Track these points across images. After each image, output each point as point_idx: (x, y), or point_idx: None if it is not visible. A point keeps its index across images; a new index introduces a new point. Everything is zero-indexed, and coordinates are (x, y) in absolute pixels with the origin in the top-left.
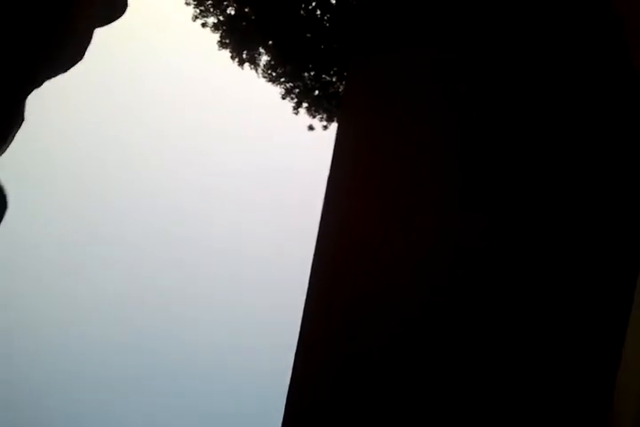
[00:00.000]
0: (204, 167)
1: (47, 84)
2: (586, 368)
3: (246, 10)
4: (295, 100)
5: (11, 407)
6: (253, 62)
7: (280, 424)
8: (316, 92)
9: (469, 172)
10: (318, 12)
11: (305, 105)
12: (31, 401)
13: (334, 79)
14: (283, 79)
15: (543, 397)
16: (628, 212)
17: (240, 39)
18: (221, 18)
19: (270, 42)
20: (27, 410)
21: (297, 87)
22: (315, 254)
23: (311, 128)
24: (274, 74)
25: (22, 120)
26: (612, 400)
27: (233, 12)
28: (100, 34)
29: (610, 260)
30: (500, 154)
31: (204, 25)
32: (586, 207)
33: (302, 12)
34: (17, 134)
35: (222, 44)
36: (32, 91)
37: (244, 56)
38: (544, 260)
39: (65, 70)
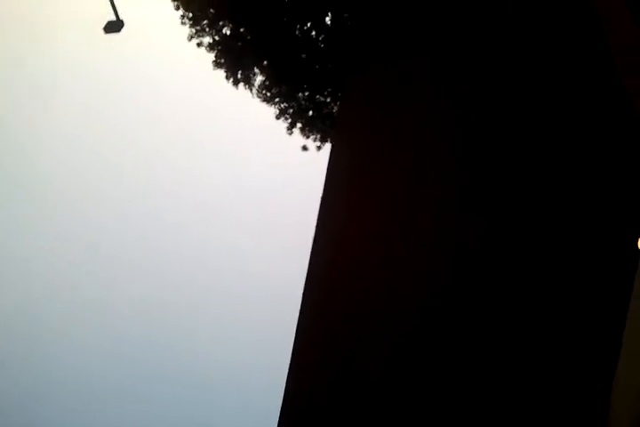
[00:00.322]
0: (197, 186)
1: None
2: (584, 369)
3: (241, 30)
4: (289, 120)
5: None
6: (248, 82)
7: None
8: (310, 112)
9: (464, 188)
10: (313, 33)
11: (299, 125)
12: (23, 408)
13: (328, 100)
14: (277, 99)
15: (544, 400)
16: (624, 212)
17: (235, 59)
18: (217, 38)
19: (265, 62)
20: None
21: (291, 107)
22: (308, 272)
23: (305, 148)
24: (268, 94)
25: None
26: (610, 400)
27: (228, 32)
28: (93, 51)
29: (607, 258)
30: (496, 163)
31: (199, 45)
32: (582, 208)
33: (297, 32)
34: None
35: (217, 64)
36: None
37: (239, 76)
38: (542, 263)
39: None
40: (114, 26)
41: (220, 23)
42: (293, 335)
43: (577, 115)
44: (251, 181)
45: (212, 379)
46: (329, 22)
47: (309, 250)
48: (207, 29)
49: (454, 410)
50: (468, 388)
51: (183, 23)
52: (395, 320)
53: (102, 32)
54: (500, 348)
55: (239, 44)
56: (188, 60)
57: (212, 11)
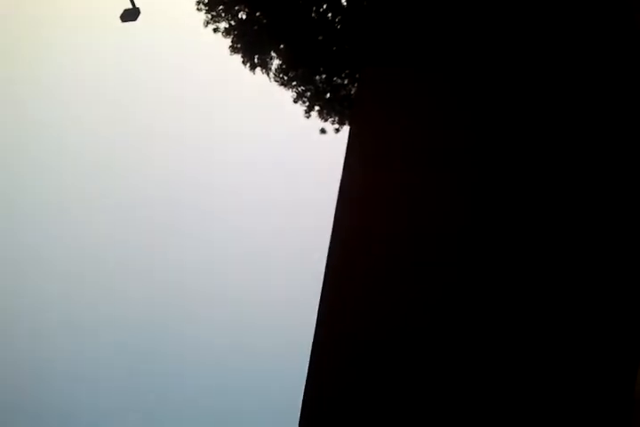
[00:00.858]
0: (217, 170)
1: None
2: (602, 369)
3: (257, 14)
4: (307, 103)
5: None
6: (265, 66)
7: None
8: (328, 95)
9: (480, 174)
10: (329, 15)
11: (317, 108)
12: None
13: (346, 82)
14: (294, 83)
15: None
16: (628, 210)
17: (251, 43)
18: (232, 23)
19: (281, 46)
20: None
21: (308, 91)
22: (329, 254)
23: (323, 131)
24: (285, 78)
25: None
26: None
27: (244, 17)
28: (111, 40)
29: (615, 257)
30: (504, 156)
31: (215, 30)
32: (583, 211)
33: (313, 15)
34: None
35: (234, 49)
36: None
37: (256, 60)
38: (542, 259)
39: None
40: (130, 14)
41: (236, 8)
42: (311, 339)
43: (578, 118)
44: (270, 164)
45: (222, 382)
46: (345, 3)
47: (329, 231)
48: (223, 15)
49: (467, 411)
50: (483, 389)
51: (199, 9)
52: (410, 321)
53: (119, 21)
54: (511, 348)
55: (255, 28)
56: (205, 46)
57: None
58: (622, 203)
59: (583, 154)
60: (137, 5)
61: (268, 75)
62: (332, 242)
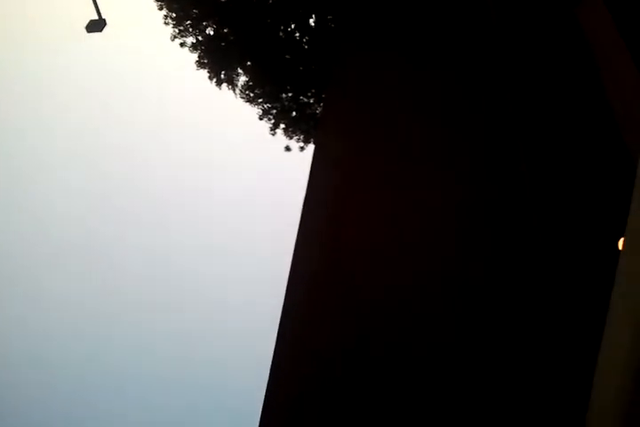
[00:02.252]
0: (178, 186)
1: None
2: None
3: (225, 30)
4: (272, 120)
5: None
6: (231, 83)
7: None
8: (294, 113)
9: (451, 190)
10: (297, 35)
11: (282, 126)
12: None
13: (312, 101)
14: (260, 100)
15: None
16: (606, 213)
17: (218, 59)
18: (200, 38)
19: (248, 62)
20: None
21: (274, 108)
22: (291, 270)
23: (288, 149)
24: (251, 94)
25: None
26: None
27: (212, 33)
28: (75, 49)
29: (588, 260)
30: (483, 166)
31: (182, 44)
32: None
33: (281, 33)
34: None
35: (200, 64)
36: None
37: (222, 76)
38: (535, 261)
39: None
40: (96, 25)
41: (204, 23)
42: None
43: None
44: (233, 182)
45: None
46: (313, 24)
47: (291, 253)
48: (190, 29)
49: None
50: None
51: (166, 23)
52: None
53: (84, 31)
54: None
55: (222, 44)
56: (171, 60)
57: (195, 11)
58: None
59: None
60: (103, 16)
61: (234, 91)
62: (294, 258)
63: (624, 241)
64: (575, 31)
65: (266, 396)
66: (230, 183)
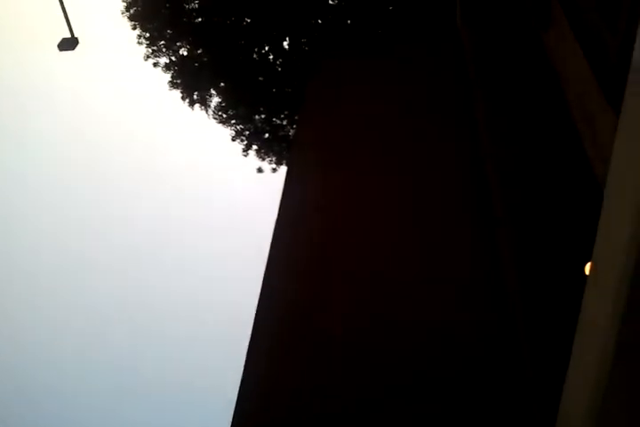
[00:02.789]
0: (148, 208)
1: None
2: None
3: (199, 51)
4: (245, 142)
5: None
6: (204, 103)
7: None
8: (266, 134)
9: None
10: (271, 57)
11: (255, 147)
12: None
13: (285, 122)
14: (233, 121)
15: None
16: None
17: (191, 80)
18: (173, 58)
19: (222, 84)
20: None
21: (247, 129)
22: (262, 293)
23: (260, 170)
24: (224, 115)
25: None
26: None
27: (185, 53)
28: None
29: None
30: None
31: (155, 65)
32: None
33: (255, 55)
34: None
35: (173, 85)
36: None
37: (195, 97)
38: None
39: None
40: (68, 43)
41: (178, 44)
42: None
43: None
44: (204, 202)
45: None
46: (286, 46)
47: (262, 275)
48: (164, 50)
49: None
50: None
51: (140, 43)
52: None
53: (56, 49)
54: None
55: (196, 64)
56: (144, 80)
57: (169, 31)
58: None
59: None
60: (76, 35)
61: (207, 112)
62: (265, 277)
63: (590, 266)
64: (541, 56)
65: None
66: (202, 202)
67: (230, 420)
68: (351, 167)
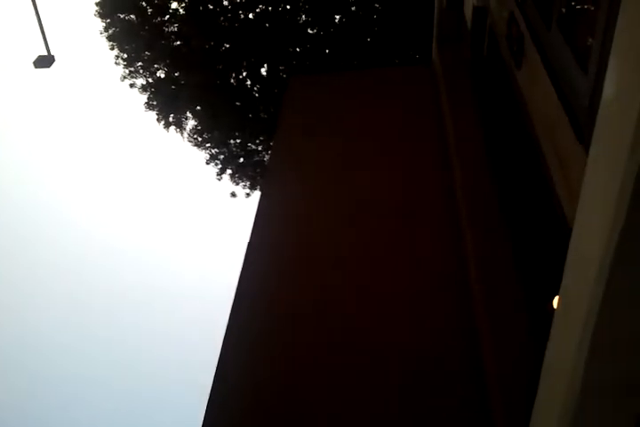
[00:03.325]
0: (121, 229)
1: None
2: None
3: (176, 74)
4: (219, 166)
5: None
6: (180, 126)
7: None
8: (241, 159)
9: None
10: (248, 83)
11: (229, 172)
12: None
13: (260, 148)
14: (208, 145)
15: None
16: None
17: (167, 102)
18: (150, 80)
19: (198, 107)
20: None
21: (222, 153)
22: (231, 315)
23: (233, 195)
24: (199, 139)
25: None
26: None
27: (162, 75)
28: (21, 84)
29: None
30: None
31: (132, 85)
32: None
33: (232, 80)
34: None
35: (149, 106)
36: None
37: (171, 119)
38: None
39: None
40: (44, 61)
41: (155, 66)
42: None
43: None
44: (176, 225)
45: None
46: (264, 73)
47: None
48: (141, 71)
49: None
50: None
51: (117, 63)
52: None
53: (32, 66)
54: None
55: (173, 87)
56: (119, 100)
57: (147, 53)
58: None
59: None
60: (52, 52)
61: (182, 134)
62: (234, 303)
63: (558, 301)
64: (513, 94)
65: None
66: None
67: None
68: (326, 193)
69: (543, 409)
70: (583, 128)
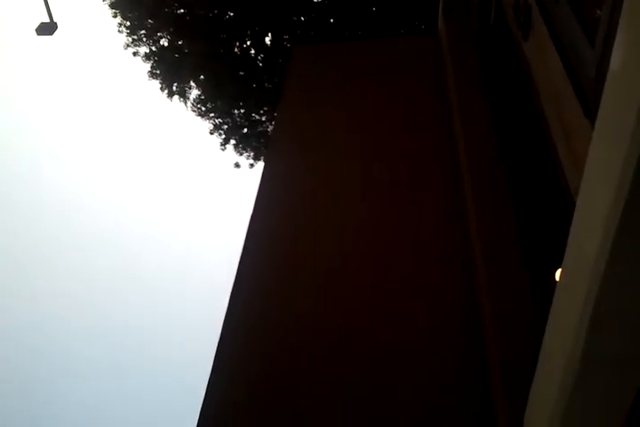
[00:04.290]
0: (124, 199)
1: None
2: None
3: (180, 42)
4: (223, 136)
5: None
6: (183, 95)
7: None
8: (245, 129)
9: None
10: (252, 52)
11: (233, 142)
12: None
13: (264, 118)
14: (212, 114)
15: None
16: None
17: (171, 71)
18: (153, 48)
19: (202, 76)
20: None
21: (226, 124)
22: (231, 296)
23: (237, 165)
24: (203, 108)
25: None
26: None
27: (166, 44)
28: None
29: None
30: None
31: (135, 54)
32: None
33: (236, 49)
34: None
35: (152, 75)
36: None
37: (174, 88)
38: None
39: None
40: (46, 28)
41: (158, 34)
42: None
43: None
44: (179, 196)
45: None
46: (268, 42)
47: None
48: (144, 39)
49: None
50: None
51: (120, 31)
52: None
53: (34, 33)
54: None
55: (176, 55)
56: (122, 69)
57: (150, 21)
58: None
59: None
60: (55, 20)
61: (185, 104)
62: (236, 280)
63: (560, 273)
64: (520, 64)
65: None
66: (176, 198)
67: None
68: (329, 165)
69: (543, 379)
70: (590, 102)
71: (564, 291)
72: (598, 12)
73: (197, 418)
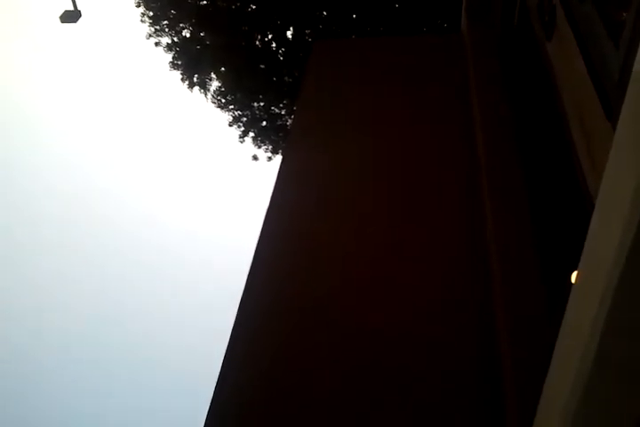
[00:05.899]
0: (142, 190)
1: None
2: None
3: (202, 34)
4: (242, 128)
5: None
6: (203, 87)
7: None
8: (264, 122)
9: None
10: (273, 45)
11: (251, 135)
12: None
13: (283, 112)
14: (231, 106)
15: None
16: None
17: (192, 62)
18: (175, 39)
19: (222, 68)
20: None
21: (245, 116)
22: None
23: (255, 158)
24: (223, 100)
25: None
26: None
27: (188, 35)
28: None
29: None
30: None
31: (157, 44)
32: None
33: (257, 42)
34: None
35: (174, 66)
36: None
37: (195, 79)
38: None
39: None
40: (70, 16)
41: (181, 25)
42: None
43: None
44: (196, 187)
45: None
46: (290, 36)
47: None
48: (167, 30)
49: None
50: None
51: (142, 21)
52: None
53: (58, 21)
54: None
55: (198, 47)
56: (144, 58)
57: (173, 12)
58: None
59: None
60: (79, 8)
61: (205, 95)
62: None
63: (576, 275)
64: (543, 65)
65: None
66: (193, 188)
67: None
68: (347, 160)
69: (555, 381)
70: (612, 105)
71: (580, 293)
72: (624, 14)
73: (209, 402)
